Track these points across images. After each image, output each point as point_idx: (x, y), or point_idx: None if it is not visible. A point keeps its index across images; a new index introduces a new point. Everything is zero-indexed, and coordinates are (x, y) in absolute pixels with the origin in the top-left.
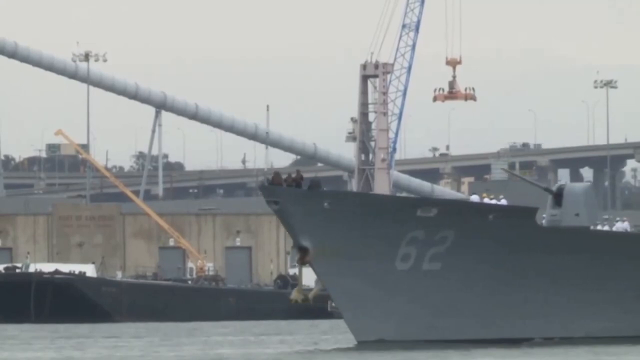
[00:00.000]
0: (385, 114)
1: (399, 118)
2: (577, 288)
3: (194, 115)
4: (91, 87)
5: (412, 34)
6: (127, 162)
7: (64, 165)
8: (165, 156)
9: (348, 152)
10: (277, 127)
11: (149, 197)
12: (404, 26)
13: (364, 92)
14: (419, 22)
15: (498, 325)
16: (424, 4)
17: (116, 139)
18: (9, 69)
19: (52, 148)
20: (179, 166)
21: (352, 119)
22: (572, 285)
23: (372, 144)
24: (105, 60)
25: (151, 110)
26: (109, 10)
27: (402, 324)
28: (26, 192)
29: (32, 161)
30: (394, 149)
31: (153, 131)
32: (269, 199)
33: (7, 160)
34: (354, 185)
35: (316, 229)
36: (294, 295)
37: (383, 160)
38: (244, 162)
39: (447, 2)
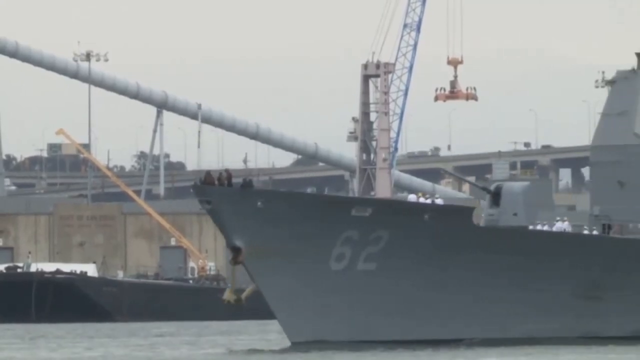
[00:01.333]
0: (386, 113)
1: (400, 118)
2: (514, 288)
3: (195, 115)
4: (92, 87)
5: (413, 34)
6: (128, 162)
7: (65, 164)
8: (167, 156)
9: (349, 152)
10: (278, 126)
11: (150, 196)
12: (405, 26)
13: (365, 91)
14: (420, 21)
15: (434, 326)
16: (425, 4)
17: (117, 138)
18: (10, 68)
19: (53, 148)
20: (180, 166)
21: (353, 118)
22: (510, 285)
23: (374, 143)
24: (106, 60)
25: (152, 109)
26: (110, 10)
27: (337, 325)
28: (28, 192)
29: (33, 161)
30: (396, 149)
31: (154, 131)
32: (201, 198)
33: (9, 159)
34: (355, 185)
35: (249, 228)
36: (227, 295)
37: (384, 159)
38: (245, 161)
39: (448, 2)
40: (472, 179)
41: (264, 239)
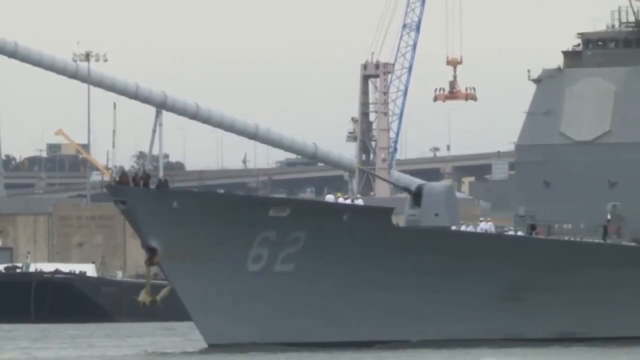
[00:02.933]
0: (386, 113)
1: (400, 118)
2: (436, 290)
3: (195, 115)
4: (92, 87)
5: (412, 34)
6: (127, 162)
7: (64, 165)
8: (166, 156)
9: (349, 152)
10: (277, 127)
11: None
12: (404, 26)
13: (364, 92)
14: (419, 22)
15: (353, 328)
16: (424, 4)
17: (117, 138)
18: (9, 68)
19: (52, 148)
20: (179, 166)
21: (352, 118)
22: (431, 287)
23: (373, 143)
24: (105, 60)
25: (152, 110)
26: (110, 10)
27: (254, 327)
28: (27, 192)
29: (32, 161)
30: (395, 149)
31: (154, 131)
32: (116, 198)
33: (8, 160)
34: (354, 185)
35: (164, 229)
36: (142, 297)
37: (384, 160)
38: (244, 162)
39: (447, 2)
40: (471, 179)
41: (179, 240)
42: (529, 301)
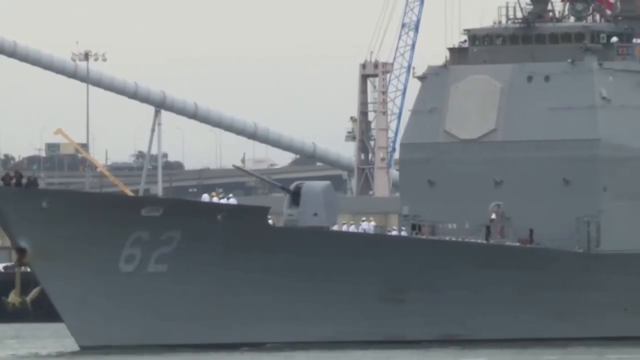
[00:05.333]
0: (384, 113)
1: (399, 117)
2: (315, 291)
3: (194, 115)
4: (90, 87)
5: (411, 34)
6: (126, 162)
7: (63, 164)
8: (165, 155)
9: (347, 152)
10: (276, 126)
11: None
12: (403, 25)
13: (363, 91)
14: (418, 21)
15: (228, 330)
16: (423, 4)
17: (115, 138)
18: (8, 68)
19: (51, 147)
20: (178, 165)
21: (351, 118)
22: (310, 287)
23: (372, 143)
24: (104, 60)
25: (150, 109)
26: (108, 10)
27: (127, 328)
28: None
29: (31, 160)
30: (394, 149)
31: (152, 130)
32: None
33: (7, 159)
34: (353, 185)
35: (33, 229)
36: (11, 298)
37: (382, 159)
38: (243, 161)
39: (446, 2)
40: None
41: (49, 240)
42: (409, 302)
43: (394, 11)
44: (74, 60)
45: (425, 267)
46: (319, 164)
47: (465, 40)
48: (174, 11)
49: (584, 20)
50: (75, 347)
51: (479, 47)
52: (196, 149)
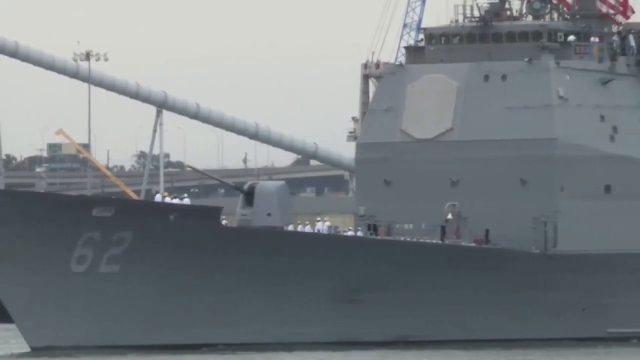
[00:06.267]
0: None
1: None
2: (268, 291)
3: (195, 115)
4: (92, 87)
5: (413, 34)
6: (128, 162)
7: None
8: (167, 156)
9: (349, 152)
10: (277, 126)
11: (150, 197)
12: (405, 25)
13: (365, 91)
14: (420, 21)
15: (180, 331)
16: (425, 4)
17: (117, 138)
18: (9, 68)
19: (53, 147)
20: (180, 165)
21: (353, 118)
22: (263, 288)
23: None
24: (106, 60)
25: (152, 109)
26: (110, 10)
27: (78, 330)
28: None
29: (33, 161)
30: None
31: (154, 131)
32: None
33: (9, 159)
34: (354, 185)
35: None
36: None
37: None
38: (244, 161)
39: (447, 2)
40: None
41: None
42: (363, 303)
43: (396, 11)
44: (75, 60)
45: (381, 268)
46: (319, 164)
47: (421, 39)
48: (174, 11)
49: (542, 19)
50: (27, 348)
51: (436, 45)
52: (197, 150)
